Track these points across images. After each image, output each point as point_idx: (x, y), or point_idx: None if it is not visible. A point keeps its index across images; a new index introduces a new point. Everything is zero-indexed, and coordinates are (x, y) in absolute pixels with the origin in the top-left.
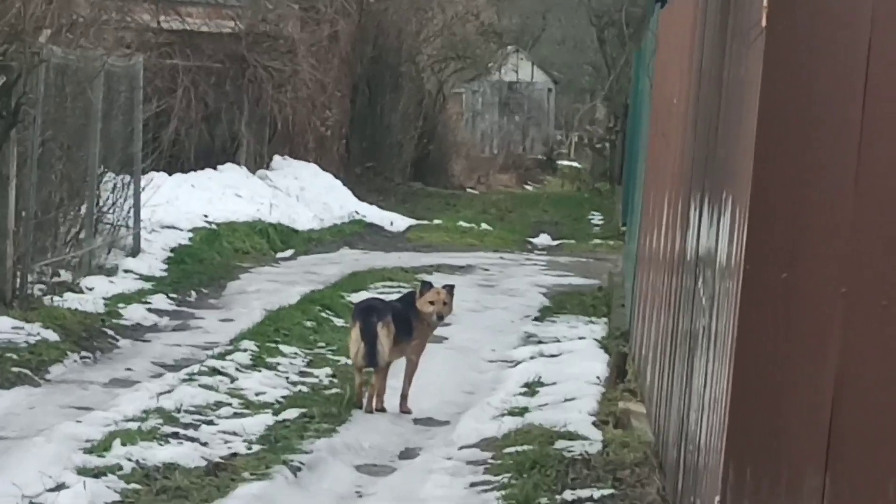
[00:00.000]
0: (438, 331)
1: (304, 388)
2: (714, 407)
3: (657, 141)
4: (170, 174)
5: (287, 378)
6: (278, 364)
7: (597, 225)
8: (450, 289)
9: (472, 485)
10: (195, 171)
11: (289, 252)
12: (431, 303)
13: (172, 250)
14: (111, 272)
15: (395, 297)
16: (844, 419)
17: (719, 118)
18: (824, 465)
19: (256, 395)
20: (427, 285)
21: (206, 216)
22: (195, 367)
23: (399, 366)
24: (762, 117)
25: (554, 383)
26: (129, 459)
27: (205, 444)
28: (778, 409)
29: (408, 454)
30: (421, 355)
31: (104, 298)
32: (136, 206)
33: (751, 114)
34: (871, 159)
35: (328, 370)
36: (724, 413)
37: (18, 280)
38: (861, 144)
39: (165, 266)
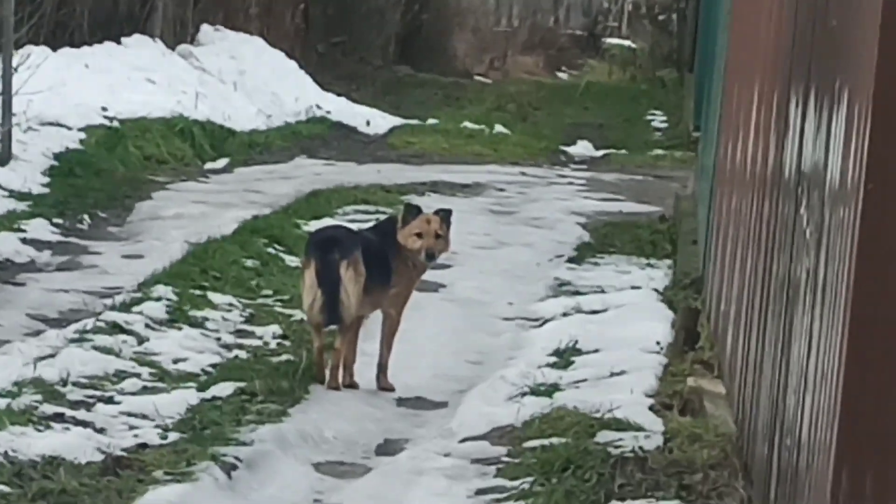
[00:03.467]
0: (433, 275)
1: (243, 354)
2: (822, 385)
3: (743, 6)
4: (54, 49)
5: (218, 339)
6: (206, 319)
7: (658, 129)
8: (445, 215)
9: (479, 492)
10: (90, 45)
11: (222, 162)
12: (419, 234)
13: (57, 157)
14: None
15: (367, 225)
16: None
17: None
18: None
19: (174, 362)
20: (413, 210)
21: (104, 110)
22: (88, 322)
23: (375, 323)
24: None
25: (596, 351)
26: None
27: (101, 431)
28: None
29: (388, 448)
30: (404, 309)
31: None
32: (6, 95)
33: None
34: None
35: (276, 328)
36: (836, 394)
37: None
38: None
39: (47, 179)
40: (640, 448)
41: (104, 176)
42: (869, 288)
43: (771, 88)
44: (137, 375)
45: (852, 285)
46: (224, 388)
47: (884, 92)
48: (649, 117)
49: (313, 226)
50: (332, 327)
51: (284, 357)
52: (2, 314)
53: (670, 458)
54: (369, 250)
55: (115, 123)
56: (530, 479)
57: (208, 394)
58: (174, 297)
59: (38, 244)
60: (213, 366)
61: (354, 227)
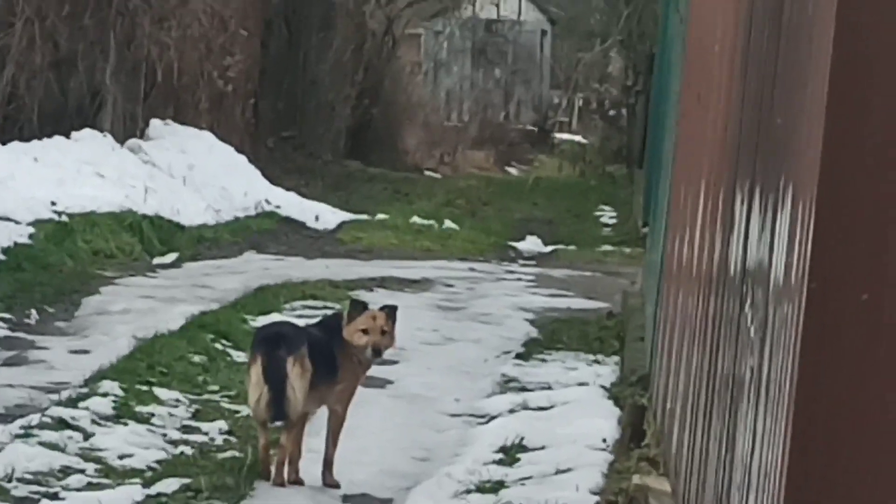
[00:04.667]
0: (380, 372)
1: (188, 450)
2: (765, 483)
3: (692, 106)
4: (3, 143)
5: (164, 435)
6: (152, 415)
7: (607, 225)
8: (391, 311)
9: None
10: (39, 139)
11: (171, 257)
12: (364, 331)
13: (5, 251)
14: None
15: (313, 321)
16: None
17: (776, 73)
18: None
19: (120, 458)
20: (358, 306)
21: (53, 204)
22: (34, 418)
23: (320, 419)
24: (835, 72)
25: (542, 448)
26: None
27: None
28: (855, 485)
29: None
30: (349, 404)
31: None
32: None
33: (820, 68)
34: None
35: (223, 424)
36: (779, 492)
37: None
38: None
39: None
40: None
41: (52, 270)
42: (812, 385)
43: (717, 185)
44: (83, 471)
45: (796, 383)
46: (169, 485)
47: (827, 190)
48: (598, 213)
49: (261, 321)
50: (278, 424)
51: (230, 453)
52: None
53: None
54: (315, 346)
55: (64, 218)
56: None
57: (153, 490)
58: (120, 393)
59: None
60: (159, 462)
61: (301, 322)
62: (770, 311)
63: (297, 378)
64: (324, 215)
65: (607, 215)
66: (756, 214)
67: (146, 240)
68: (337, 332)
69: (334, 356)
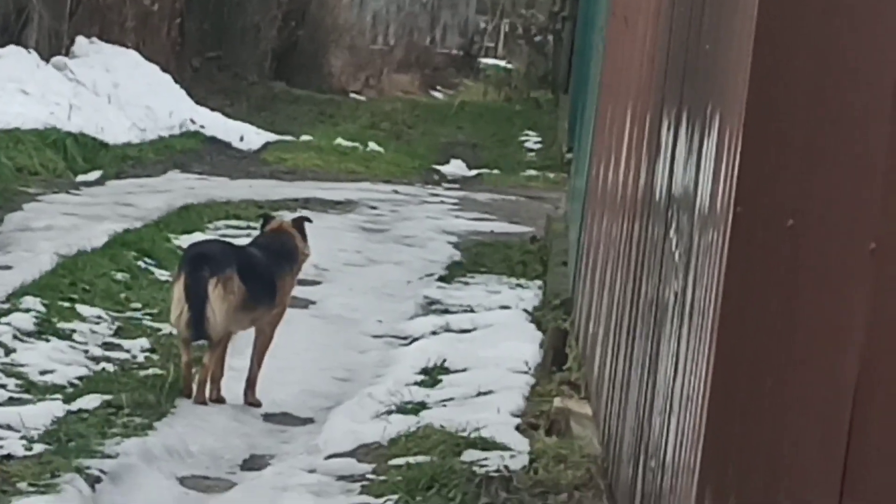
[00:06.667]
0: (303, 292)
1: (110, 367)
2: (686, 407)
3: (619, 30)
4: None
5: (86, 352)
6: (74, 331)
7: (532, 150)
8: (299, 222)
9: None
10: None
11: (95, 174)
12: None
13: None
14: None
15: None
16: (870, 429)
17: None
18: (839, 494)
19: (41, 374)
20: (270, 219)
21: None
22: None
23: (242, 338)
24: None
25: (464, 370)
26: None
27: None
28: (777, 411)
29: (254, 463)
30: (278, 325)
31: None
32: None
33: None
34: None
35: (144, 342)
36: (701, 417)
37: None
38: None
39: None
40: (506, 467)
41: None
42: (735, 311)
43: (643, 111)
44: (3, 386)
45: (719, 308)
46: (90, 401)
47: (754, 116)
48: (523, 138)
49: (184, 240)
50: (202, 342)
51: (152, 370)
52: None
53: (535, 479)
54: (253, 268)
55: None
56: (395, 496)
57: (74, 406)
58: (42, 309)
59: None
60: (80, 378)
61: (235, 241)
62: (695, 236)
63: (217, 299)
64: (248, 136)
65: (532, 140)
66: (683, 140)
67: (70, 157)
68: (280, 255)
69: (273, 280)
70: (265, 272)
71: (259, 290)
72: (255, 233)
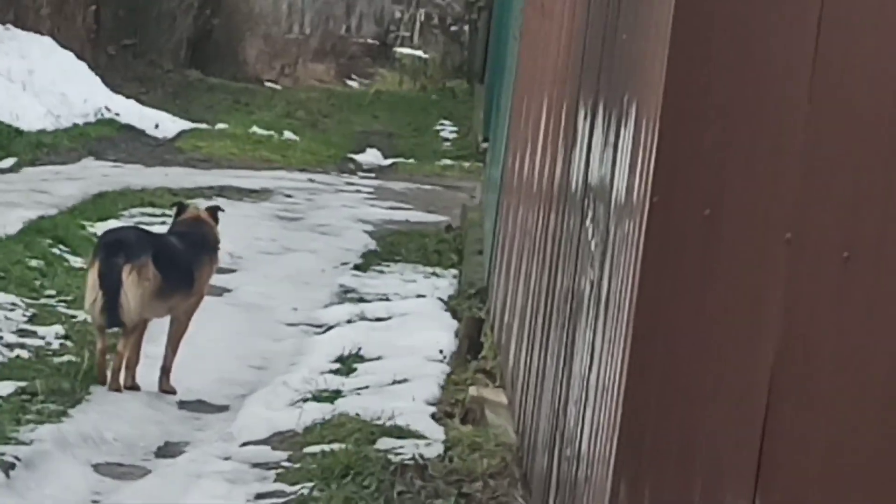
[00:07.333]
0: (218, 280)
1: (25, 354)
2: (602, 397)
3: (535, 19)
4: None
5: (0, 338)
6: None
7: (447, 139)
8: (212, 210)
9: (259, 496)
10: None
11: (9, 161)
12: None
13: None
14: None
15: (165, 227)
16: (784, 418)
17: None
18: (754, 485)
19: None
20: (184, 207)
21: None
22: None
23: (157, 325)
24: None
25: (379, 358)
26: None
27: None
28: (692, 401)
29: (168, 451)
30: (194, 313)
31: None
32: None
33: None
34: (829, 49)
35: (59, 329)
36: (616, 407)
37: None
38: (821, 22)
39: None
40: (421, 456)
41: None
42: (651, 302)
43: (560, 101)
44: None
45: (635, 299)
46: (4, 388)
47: (670, 106)
48: (439, 127)
49: (99, 227)
50: (116, 329)
51: (66, 358)
52: None
53: (450, 467)
54: (170, 256)
55: None
56: (310, 484)
57: None
58: None
59: None
60: None
61: (152, 228)
62: (612, 226)
63: (131, 286)
64: (163, 123)
65: (447, 130)
66: (599, 130)
67: None
68: (198, 243)
69: (191, 268)
70: (182, 260)
71: (175, 277)
72: (171, 221)
